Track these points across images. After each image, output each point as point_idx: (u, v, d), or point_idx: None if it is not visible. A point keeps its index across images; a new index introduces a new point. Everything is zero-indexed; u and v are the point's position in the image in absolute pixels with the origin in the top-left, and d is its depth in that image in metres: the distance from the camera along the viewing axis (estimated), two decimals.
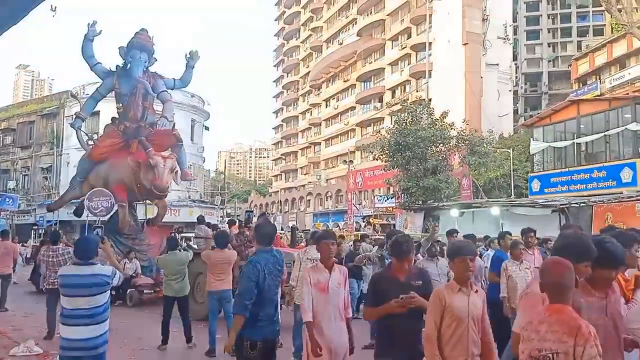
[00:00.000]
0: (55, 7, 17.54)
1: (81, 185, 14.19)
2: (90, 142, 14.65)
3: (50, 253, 8.47)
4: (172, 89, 15.05)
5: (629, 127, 19.30)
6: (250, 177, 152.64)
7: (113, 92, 14.70)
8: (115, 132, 14.12)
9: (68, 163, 33.76)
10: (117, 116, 14.74)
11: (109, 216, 13.44)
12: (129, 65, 13.94)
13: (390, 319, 3.64)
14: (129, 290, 12.21)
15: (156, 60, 14.59)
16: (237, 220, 13.93)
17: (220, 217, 45.79)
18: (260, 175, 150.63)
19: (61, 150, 34.59)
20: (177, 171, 13.50)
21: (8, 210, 26.70)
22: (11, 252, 11.44)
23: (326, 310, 4.07)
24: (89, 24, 14.20)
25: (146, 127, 13.86)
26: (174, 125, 14.46)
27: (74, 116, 14.77)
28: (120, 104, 14.20)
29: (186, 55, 15.09)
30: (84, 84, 34.45)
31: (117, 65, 14.18)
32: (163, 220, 15.17)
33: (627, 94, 27.56)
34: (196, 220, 13.54)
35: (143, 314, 11.17)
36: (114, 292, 11.99)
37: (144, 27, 14.58)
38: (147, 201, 15.37)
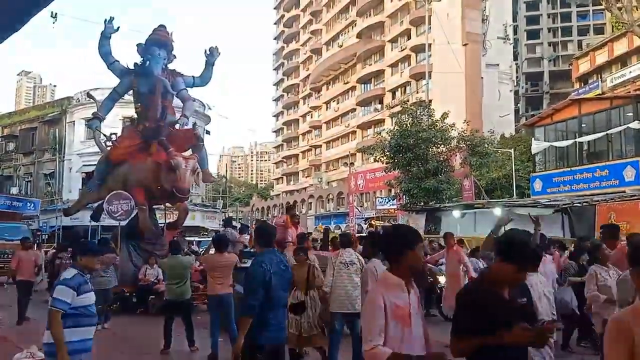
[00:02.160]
0: (56, 14, 17.52)
1: (99, 188, 13.63)
2: (109, 143, 13.92)
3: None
4: (192, 87, 14.36)
5: (631, 125, 19.27)
6: (252, 180, 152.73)
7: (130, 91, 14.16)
8: (134, 133, 13.56)
9: (70, 169, 33.85)
10: (133, 116, 14.37)
11: (128, 220, 12.89)
12: (147, 62, 13.30)
13: (488, 353, 2.47)
14: (150, 298, 11.58)
15: (175, 57, 13.99)
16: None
17: (222, 220, 45.81)
18: (262, 178, 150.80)
19: (63, 156, 34.67)
20: (198, 172, 12.91)
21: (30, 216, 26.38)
22: (33, 260, 11.03)
23: (410, 350, 2.60)
24: (105, 20, 13.66)
25: (166, 127, 13.27)
26: (194, 124, 14.01)
27: (92, 116, 14.20)
28: (139, 104, 13.63)
29: (206, 51, 14.35)
30: (86, 90, 34.58)
31: (135, 63, 13.56)
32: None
33: (629, 92, 27.51)
34: (222, 223, 13.08)
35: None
36: (135, 300, 11.77)
37: (162, 24, 14.02)
38: (168, 204, 14.77)
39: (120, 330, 9.65)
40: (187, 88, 14.08)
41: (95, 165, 35.03)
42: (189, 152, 13.35)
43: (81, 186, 33.29)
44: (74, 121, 34.40)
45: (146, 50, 13.34)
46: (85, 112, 34.13)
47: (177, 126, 13.70)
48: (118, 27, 13.63)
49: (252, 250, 10.17)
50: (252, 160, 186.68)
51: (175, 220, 14.32)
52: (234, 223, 17.69)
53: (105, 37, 13.54)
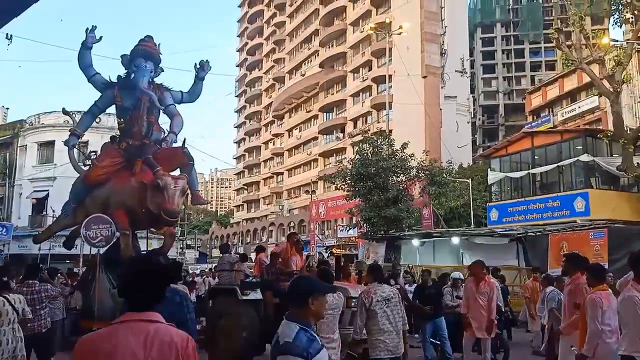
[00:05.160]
0: (11, 36, 16.82)
1: (75, 212, 12.38)
2: (88, 162, 12.69)
3: (25, 289, 7.25)
4: (180, 103, 13.28)
5: (581, 158, 20.03)
6: (211, 207, 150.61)
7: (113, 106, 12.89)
8: (115, 151, 12.25)
9: (20, 194, 32.61)
10: (111, 134, 13.10)
11: (107, 246, 11.41)
12: (132, 75, 12.24)
13: None
14: None
15: (162, 71, 12.97)
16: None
17: (180, 248, 44.78)
18: (222, 205, 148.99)
19: (13, 181, 33.40)
20: (188, 194, 11.83)
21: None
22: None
23: None
24: (87, 29, 12.50)
25: (152, 145, 12.21)
26: (184, 142, 12.66)
27: (69, 133, 12.84)
28: (122, 119, 12.51)
29: (196, 65, 13.32)
30: (39, 113, 33.65)
31: (119, 76, 12.50)
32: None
33: (579, 126, 28.72)
34: (219, 249, 11.99)
35: None
36: None
37: (149, 35, 12.99)
38: (150, 231, 13.57)
39: None
40: (175, 104, 13.05)
41: (46, 190, 33.70)
42: (176, 172, 12.12)
43: (31, 212, 32.12)
44: (25, 145, 33.32)
45: (131, 61, 12.27)
46: (38, 136, 33.17)
47: (164, 144, 12.54)
48: (100, 37, 12.52)
49: (253, 280, 9.65)
50: (212, 187, 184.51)
51: (161, 246, 12.96)
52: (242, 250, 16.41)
53: (86, 47, 12.39)
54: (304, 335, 2.72)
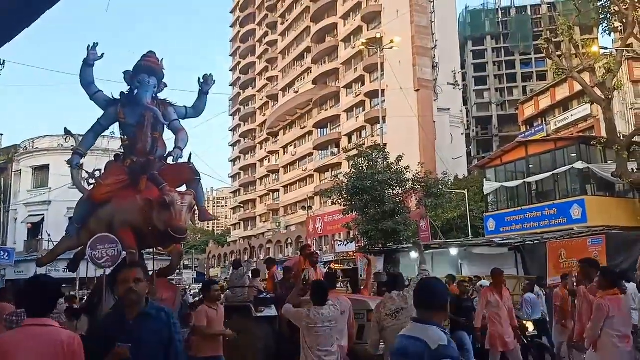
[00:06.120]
0: (4, 61, 16.73)
1: (79, 233, 12.03)
2: (92, 181, 12.32)
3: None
4: (184, 119, 12.96)
5: (575, 165, 20.10)
6: (208, 226, 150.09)
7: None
8: (120, 169, 11.99)
9: (15, 219, 32.42)
10: (105, 156, 12.99)
11: (114, 266, 11.02)
12: (135, 91, 12.06)
13: None
14: None
15: (166, 86, 12.81)
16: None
17: (178, 268, 44.42)
18: (219, 224, 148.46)
19: (8, 206, 33.20)
20: (195, 210, 11.52)
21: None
22: None
23: None
24: (89, 46, 12.29)
25: (157, 161, 11.93)
26: (190, 157, 12.30)
27: (72, 152, 12.49)
28: (125, 136, 12.23)
29: (199, 80, 13.04)
30: (33, 138, 33.62)
31: (122, 92, 12.26)
32: None
33: (572, 134, 28.86)
34: (231, 265, 11.73)
35: None
36: None
37: (151, 50, 12.65)
38: (156, 251, 13.41)
39: None
40: (179, 119, 12.71)
41: (41, 214, 33.42)
42: (183, 188, 11.78)
43: (26, 237, 31.88)
44: (20, 170, 33.21)
45: (134, 77, 12.02)
46: (32, 161, 33.09)
47: (169, 160, 12.19)
48: (102, 54, 12.29)
49: (267, 296, 9.44)
50: (208, 206, 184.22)
51: (167, 266, 12.66)
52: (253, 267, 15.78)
53: (88, 65, 12.09)
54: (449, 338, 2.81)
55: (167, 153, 12.16)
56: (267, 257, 24.04)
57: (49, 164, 31.15)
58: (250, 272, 11.97)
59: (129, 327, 3.43)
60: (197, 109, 12.97)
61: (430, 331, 2.77)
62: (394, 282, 5.70)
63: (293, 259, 9.79)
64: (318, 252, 16.78)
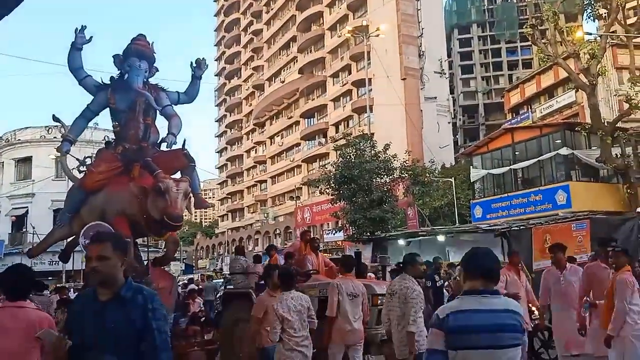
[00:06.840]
0: None
1: (71, 222, 11.72)
2: (83, 169, 11.99)
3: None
4: (177, 104, 12.53)
5: (560, 151, 20.25)
6: (195, 218, 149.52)
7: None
8: (112, 156, 11.63)
9: None
10: (106, 137, 12.55)
11: None
12: (126, 75, 11.63)
13: None
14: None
15: (157, 70, 12.28)
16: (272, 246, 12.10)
17: (234, 248, 44.23)
18: (206, 216, 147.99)
19: None
20: (191, 197, 11.27)
21: None
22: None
23: None
24: (76, 29, 11.85)
25: (150, 148, 11.63)
26: (184, 143, 12.00)
27: (61, 139, 12.14)
28: (116, 122, 11.83)
29: (192, 64, 12.73)
30: (15, 129, 33.13)
31: (112, 77, 11.88)
32: None
33: (557, 121, 29.05)
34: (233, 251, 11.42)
35: None
36: None
37: (141, 33, 12.19)
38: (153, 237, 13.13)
39: None
40: (172, 105, 12.32)
41: (25, 206, 32.98)
42: (177, 175, 11.26)
43: (10, 230, 31.51)
44: (2, 162, 32.74)
45: (124, 61, 11.60)
46: (14, 152, 32.61)
47: (163, 146, 11.87)
48: (91, 37, 11.78)
49: None
50: None
51: (163, 254, 12.30)
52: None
53: (76, 49, 11.63)
54: None
55: (160, 139, 11.83)
56: (269, 244, 23.94)
57: (31, 156, 30.73)
58: (252, 258, 11.83)
59: (96, 309, 2.93)
60: (189, 95, 12.63)
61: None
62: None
63: (293, 245, 9.64)
64: (318, 237, 16.65)
